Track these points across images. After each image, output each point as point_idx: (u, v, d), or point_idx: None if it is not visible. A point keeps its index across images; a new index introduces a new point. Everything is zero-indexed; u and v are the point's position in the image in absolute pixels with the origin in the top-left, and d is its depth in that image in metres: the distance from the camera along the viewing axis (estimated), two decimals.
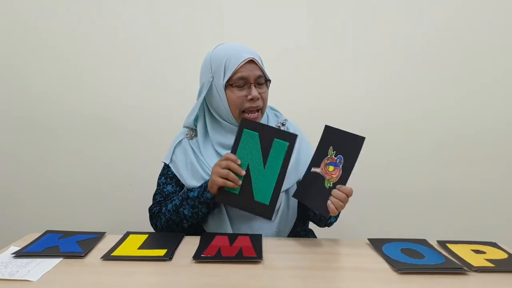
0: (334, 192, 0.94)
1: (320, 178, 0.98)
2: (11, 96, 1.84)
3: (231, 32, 1.77)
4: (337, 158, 0.96)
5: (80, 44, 1.80)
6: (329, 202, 0.94)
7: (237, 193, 0.99)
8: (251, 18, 1.78)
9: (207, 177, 1.08)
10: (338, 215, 1.10)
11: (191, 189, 1.07)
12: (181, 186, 1.15)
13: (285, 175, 0.98)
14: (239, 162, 0.98)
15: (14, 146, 1.88)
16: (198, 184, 1.08)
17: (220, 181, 0.98)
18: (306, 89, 1.81)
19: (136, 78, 1.82)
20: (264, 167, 0.98)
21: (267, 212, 0.98)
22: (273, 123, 1.20)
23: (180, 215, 1.05)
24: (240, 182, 0.98)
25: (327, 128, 0.99)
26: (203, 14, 1.78)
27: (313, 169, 1.00)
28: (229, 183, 0.98)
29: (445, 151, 1.84)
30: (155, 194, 1.17)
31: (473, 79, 1.80)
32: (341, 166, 0.95)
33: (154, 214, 1.13)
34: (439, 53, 1.78)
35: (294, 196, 1.05)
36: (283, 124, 1.21)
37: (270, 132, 0.99)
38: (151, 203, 1.17)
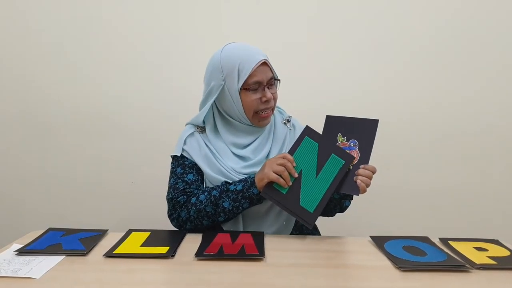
0: (360, 171, 0.99)
1: None
2: (13, 95, 1.84)
3: (233, 29, 1.76)
4: (350, 142, 1.02)
5: (81, 42, 1.80)
6: (358, 181, 0.98)
7: (285, 193, 1.00)
8: (252, 15, 1.77)
9: (224, 170, 1.09)
10: (351, 199, 1.14)
11: (231, 183, 1.06)
12: (202, 175, 1.13)
13: (333, 190, 0.99)
14: (294, 164, 1.00)
15: (16, 144, 1.88)
16: (215, 174, 1.09)
17: (274, 176, 0.98)
18: (307, 87, 1.80)
19: (139, 76, 1.82)
20: (316, 177, 1.00)
21: (309, 219, 0.99)
22: (278, 119, 1.21)
23: (218, 207, 1.03)
24: (291, 183, 1.00)
25: (330, 118, 1.05)
26: (204, 11, 1.77)
27: None
28: (282, 181, 0.98)
29: (447, 149, 1.84)
30: (174, 184, 1.10)
31: (476, 78, 1.79)
32: (357, 148, 1.02)
33: (180, 203, 1.06)
34: (441, 51, 1.78)
35: None
36: (288, 121, 1.22)
37: (329, 146, 1.02)
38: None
